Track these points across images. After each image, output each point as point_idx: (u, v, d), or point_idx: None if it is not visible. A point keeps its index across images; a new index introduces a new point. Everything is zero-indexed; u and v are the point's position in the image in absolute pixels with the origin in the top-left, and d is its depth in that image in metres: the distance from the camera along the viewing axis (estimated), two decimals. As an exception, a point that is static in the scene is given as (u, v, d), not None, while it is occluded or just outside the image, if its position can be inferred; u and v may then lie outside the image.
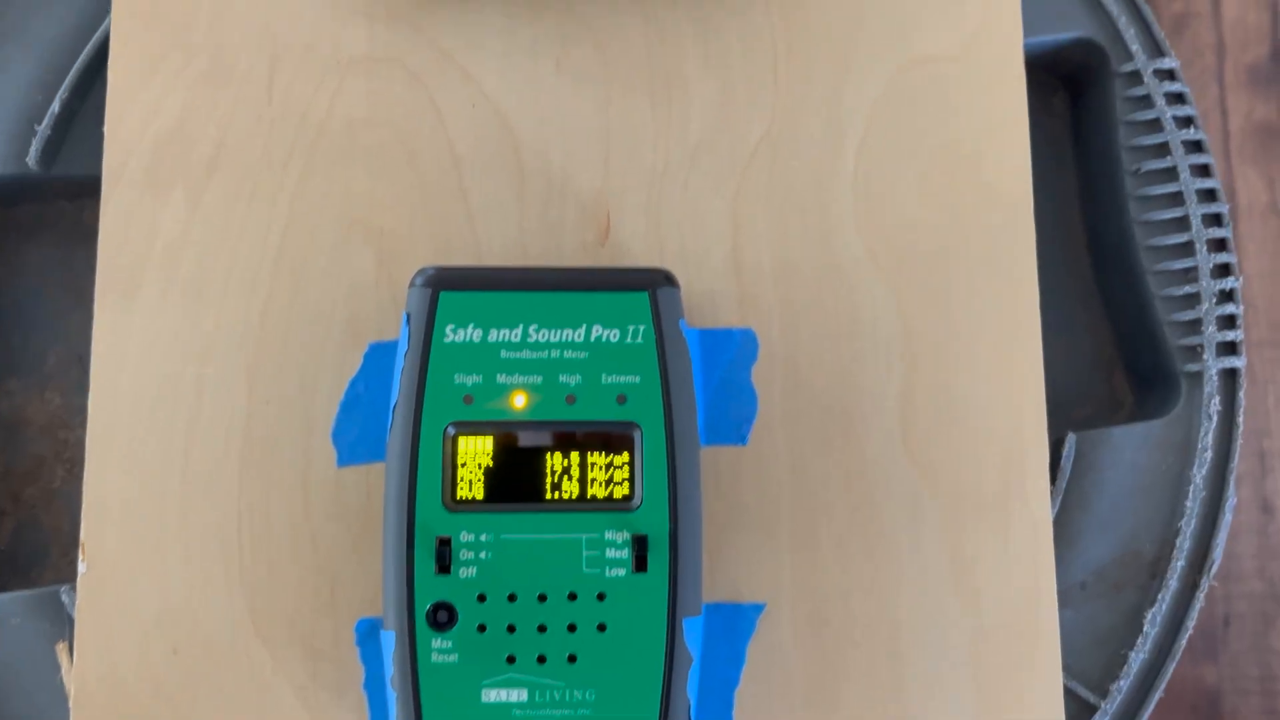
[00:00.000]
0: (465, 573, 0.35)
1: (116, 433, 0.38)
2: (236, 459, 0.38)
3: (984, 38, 0.41)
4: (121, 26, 0.41)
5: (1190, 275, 0.42)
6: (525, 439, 0.36)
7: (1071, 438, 0.42)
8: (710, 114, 0.41)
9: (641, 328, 0.36)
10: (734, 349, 0.39)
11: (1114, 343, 0.45)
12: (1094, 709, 0.40)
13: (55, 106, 0.42)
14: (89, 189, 0.43)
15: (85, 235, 0.44)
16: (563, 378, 0.36)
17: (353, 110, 0.40)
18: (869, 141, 0.41)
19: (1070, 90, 0.46)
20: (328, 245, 0.40)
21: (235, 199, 0.40)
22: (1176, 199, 0.42)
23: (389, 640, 0.35)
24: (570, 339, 0.36)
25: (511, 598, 0.35)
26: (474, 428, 0.35)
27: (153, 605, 0.37)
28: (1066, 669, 0.40)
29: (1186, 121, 0.42)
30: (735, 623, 0.38)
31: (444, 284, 0.36)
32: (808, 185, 0.40)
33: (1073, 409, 0.45)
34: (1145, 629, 0.40)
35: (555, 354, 0.36)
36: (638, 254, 0.40)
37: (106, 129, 0.40)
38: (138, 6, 0.41)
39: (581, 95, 0.41)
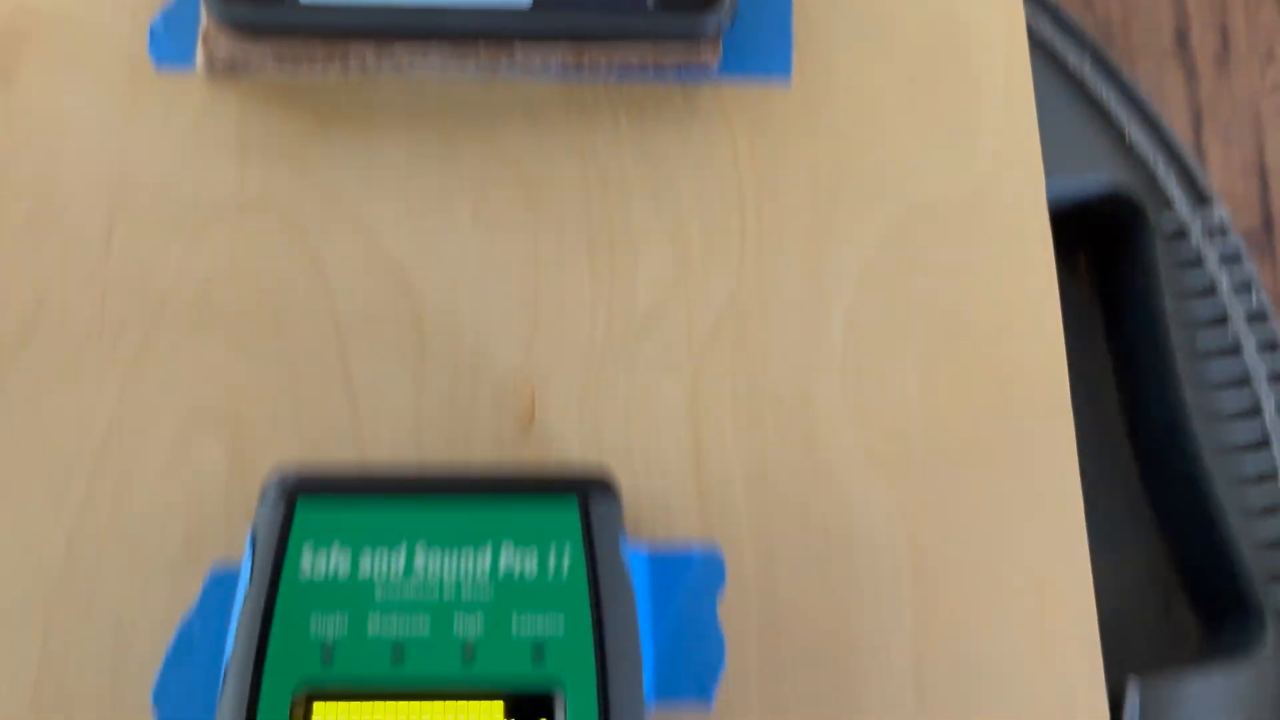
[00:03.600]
0: None
1: None
2: (18, 730, 0.28)
3: (999, 181, 0.33)
4: (-73, 164, 0.32)
5: (1268, 480, 0.33)
6: (402, 713, 0.26)
7: (1133, 692, 0.32)
8: (662, 276, 0.33)
9: (567, 552, 0.27)
10: (693, 575, 0.30)
11: (1170, 562, 0.36)
12: None
13: None
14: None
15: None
16: (458, 623, 0.26)
17: (210, 267, 0.32)
18: (860, 311, 0.33)
19: (1096, 253, 0.39)
20: (166, 439, 0.31)
21: (50, 380, 0.31)
22: (1243, 383, 0.34)
23: None
24: (469, 567, 0.27)
25: None
26: (334, 693, 0.26)
27: None
28: None
29: (1246, 287, 0.35)
30: None
31: (304, 489, 0.27)
32: (785, 365, 0.32)
33: (1124, 646, 0.35)
34: None
35: (449, 589, 0.27)
36: (569, 449, 0.31)
37: (-108, 289, 0.31)
38: (-50, 140, 0.33)
39: (502, 250, 0.33)
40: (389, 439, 0.31)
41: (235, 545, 0.29)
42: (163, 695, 0.29)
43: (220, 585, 0.29)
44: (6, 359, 0.31)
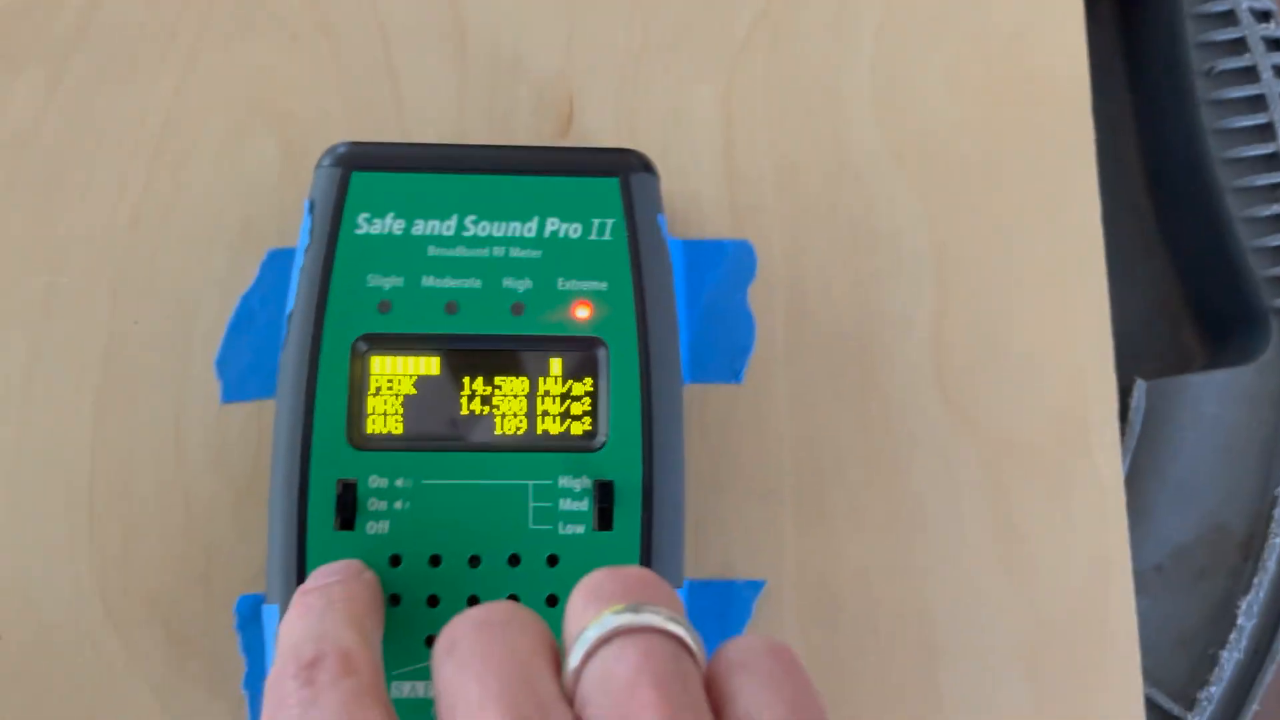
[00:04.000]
0: (374, 528, 0.26)
1: (-62, 358, 0.30)
2: (92, 393, 0.30)
3: (1030, -104, 0.34)
4: None
5: (1278, 193, 0.35)
6: (457, 358, 0.28)
7: (1140, 386, 0.34)
8: (697, -17, 0.33)
9: (610, 222, 0.28)
10: (726, 264, 0.32)
11: (1179, 281, 0.37)
12: (1174, 725, 0.32)
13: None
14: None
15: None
16: (507, 282, 0.28)
17: (257, -29, 0.33)
18: (891, 20, 0.33)
19: (1120, -6, 0.39)
20: (221, 132, 0.32)
21: (106, 78, 0.32)
22: (1258, 103, 0.35)
23: (272, 617, 0.26)
24: (518, 233, 0.28)
25: (434, 561, 0.26)
26: (391, 343, 0.27)
27: (-28, 578, 0.29)
28: (1144, 673, 0.31)
29: (1265, 16, 0.35)
30: (726, 605, 0.30)
31: (358, 163, 0.28)
32: (817, 71, 0.33)
33: (1133, 362, 0.37)
34: (1239, 622, 0.32)
35: (498, 252, 0.28)
36: (607, 151, 0.32)
37: (-51, -11, 0.32)
38: None
39: (540, -40, 0.33)
40: (433, 136, 0.32)
41: (289, 231, 0.31)
42: (226, 363, 0.30)
43: (277, 261, 0.31)
44: (63, 58, 0.32)
